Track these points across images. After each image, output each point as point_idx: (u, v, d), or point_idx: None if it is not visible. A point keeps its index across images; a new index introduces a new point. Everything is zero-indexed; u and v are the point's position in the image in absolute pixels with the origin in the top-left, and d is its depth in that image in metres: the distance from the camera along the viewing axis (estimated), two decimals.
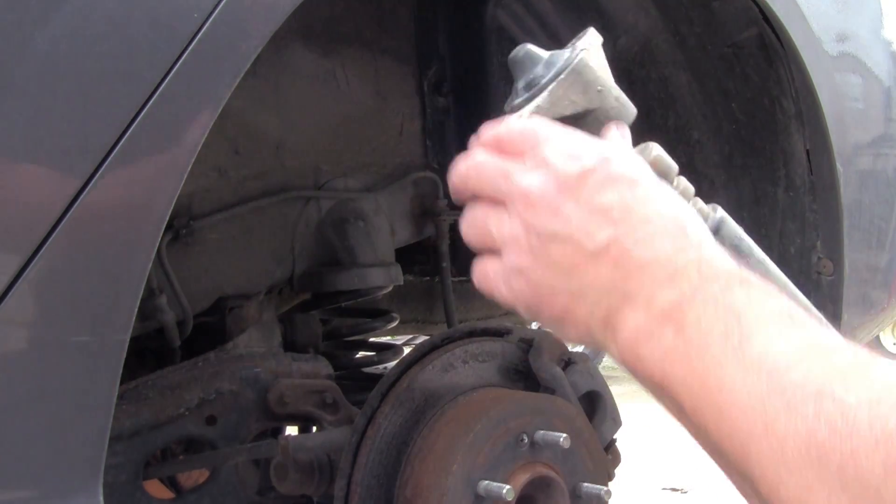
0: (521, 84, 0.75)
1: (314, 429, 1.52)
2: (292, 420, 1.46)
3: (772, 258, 0.76)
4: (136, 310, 0.85)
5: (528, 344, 1.37)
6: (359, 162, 1.61)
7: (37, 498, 0.83)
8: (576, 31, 0.76)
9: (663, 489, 4.63)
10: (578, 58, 0.70)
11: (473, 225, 0.68)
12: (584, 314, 0.61)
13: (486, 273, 0.68)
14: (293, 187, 1.51)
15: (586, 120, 0.71)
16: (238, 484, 1.42)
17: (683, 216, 0.61)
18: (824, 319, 0.60)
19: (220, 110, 0.88)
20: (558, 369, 1.36)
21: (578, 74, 0.70)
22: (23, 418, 0.81)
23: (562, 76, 0.70)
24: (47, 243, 0.79)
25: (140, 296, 0.85)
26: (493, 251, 0.67)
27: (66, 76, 0.81)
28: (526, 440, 1.21)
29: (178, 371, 1.33)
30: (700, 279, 0.57)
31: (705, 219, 0.70)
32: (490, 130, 0.67)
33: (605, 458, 1.34)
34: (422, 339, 2.00)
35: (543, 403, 1.28)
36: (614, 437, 1.46)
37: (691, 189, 0.73)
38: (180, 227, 1.35)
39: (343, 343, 1.84)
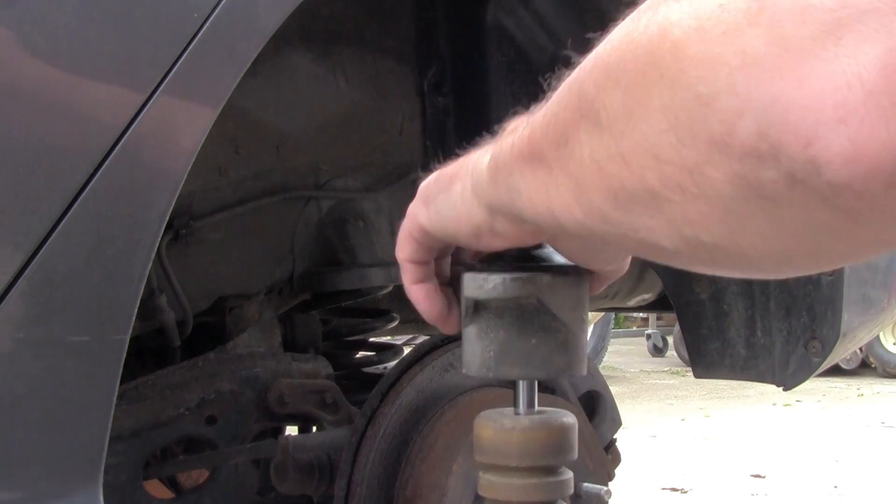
0: None
1: (314, 429, 1.52)
2: (292, 420, 1.46)
3: None
4: (136, 310, 0.85)
5: None
6: (359, 162, 1.61)
7: (36, 498, 0.83)
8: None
9: (663, 489, 4.63)
10: None
11: None
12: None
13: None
14: (293, 187, 1.51)
15: None
16: (238, 484, 1.42)
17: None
18: None
19: (220, 110, 0.88)
20: None
21: None
22: (22, 418, 0.81)
23: None
24: (47, 243, 0.79)
25: (140, 296, 0.85)
26: None
27: (66, 76, 0.81)
28: None
29: (178, 371, 1.33)
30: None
31: None
32: None
33: (605, 458, 1.35)
34: (422, 339, 2.00)
35: (543, 403, 1.28)
36: (614, 437, 1.46)
37: None
38: (180, 227, 1.35)
39: (343, 343, 1.84)
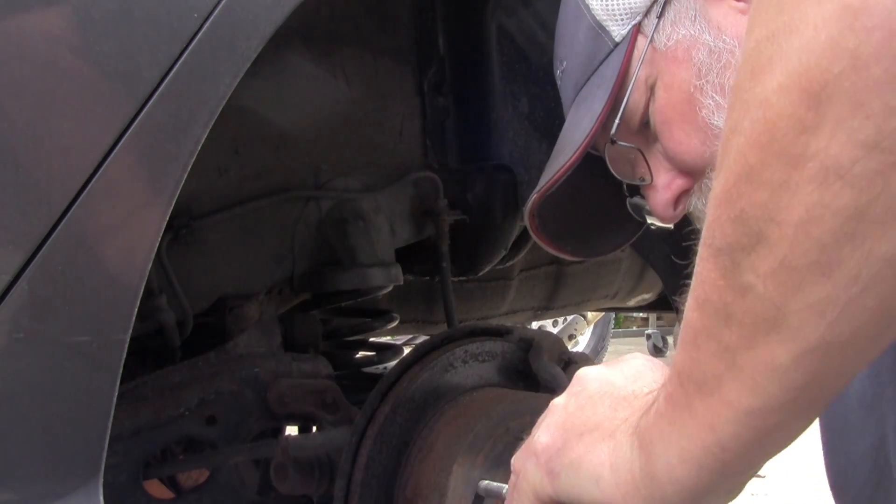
0: None
1: (314, 429, 1.52)
2: (292, 420, 1.46)
3: None
4: (136, 310, 0.85)
5: (528, 344, 1.37)
6: (359, 162, 1.60)
7: (37, 497, 0.83)
8: None
9: None
10: None
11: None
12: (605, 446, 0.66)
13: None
14: (293, 187, 1.51)
15: None
16: (238, 484, 1.42)
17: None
18: None
19: (220, 110, 0.88)
20: (558, 369, 1.36)
21: None
22: (22, 418, 0.81)
23: None
24: (47, 243, 0.79)
25: (140, 296, 0.85)
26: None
27: (66, 76, 0.81)
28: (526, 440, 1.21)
29: (178, 371, 1.33)
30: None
31: None
32: None
33: None
34: (422, 339, 2.00)
35: (543, 403, 1.28)
36: None
37: None
38: (180, 227, 1.35)
39: (343, 343, 1.84)
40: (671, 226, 1.18)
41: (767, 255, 0.47)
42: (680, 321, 0.57)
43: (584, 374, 0.75)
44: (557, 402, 0.75)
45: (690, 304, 0.53)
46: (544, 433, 0.73)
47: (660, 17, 1.07)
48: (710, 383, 0.52)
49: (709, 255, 0.50)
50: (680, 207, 1.11)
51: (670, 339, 9.82)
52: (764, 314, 0.48)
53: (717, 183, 0.49)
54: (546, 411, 0.77)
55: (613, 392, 0.69)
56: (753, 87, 0.46)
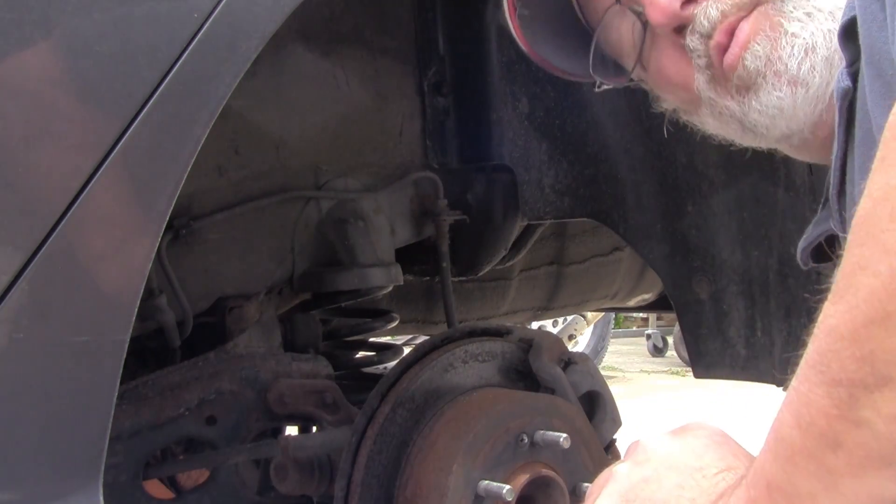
0: None
1: (314, 429, 1.52)
2: (292, 420, 1.46)
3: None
4: (136, 310, 0.85)
5: (528, 344, 1.37)
6: (359, 162, 1.61)
7: (37, 498, 0.83)
8: None
9: None
10: None
11: None
12: None
13: None
14: (293, 187, 1.51)
15: None
16: (238, 484, 1.42)
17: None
18: None
19: (220, 110, 0.88)
20: (558, 369, 1.36)
21: None
22: (22, 418, 0.81)
23: None
24: (47, 243, 0.79)
25: (140, 296, 0.85)
26: None
27: (66, 76, 0.81)
28: (526, 440, 1.21)
29: (178, 371, 1.33)
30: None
31: None
32: None
33: (605, 458, 1.35)
34: (422, 339, 2.00)
35: (543, 403, 1.28)
36: (614, 437, 1.46)
37: None
38: (180, 227, 1.35)
39: (343, 343, 1.84)
40: (621, 85, 1.07)
41: (894, 398, 0.49)
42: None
43: (649, 443, 0.75)
44: (620, 469, 0.75)
45: (789, 422, 0.56)
46: (606, 501, 0.72)
47: None
48: (804, 499, 0.55)
49: (821, 382, 0.52)
50: (690, 9, 0.93)
51: (670, 339, 9.81)
52: (880, 450, 0.50)
53: (839, 315, 0.51)
54: (607, 476, 0.77)
55: (679, 467, 0.70)
56: (894, 228, 0.47)
